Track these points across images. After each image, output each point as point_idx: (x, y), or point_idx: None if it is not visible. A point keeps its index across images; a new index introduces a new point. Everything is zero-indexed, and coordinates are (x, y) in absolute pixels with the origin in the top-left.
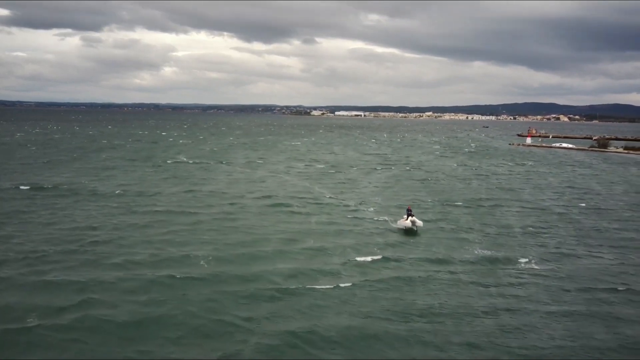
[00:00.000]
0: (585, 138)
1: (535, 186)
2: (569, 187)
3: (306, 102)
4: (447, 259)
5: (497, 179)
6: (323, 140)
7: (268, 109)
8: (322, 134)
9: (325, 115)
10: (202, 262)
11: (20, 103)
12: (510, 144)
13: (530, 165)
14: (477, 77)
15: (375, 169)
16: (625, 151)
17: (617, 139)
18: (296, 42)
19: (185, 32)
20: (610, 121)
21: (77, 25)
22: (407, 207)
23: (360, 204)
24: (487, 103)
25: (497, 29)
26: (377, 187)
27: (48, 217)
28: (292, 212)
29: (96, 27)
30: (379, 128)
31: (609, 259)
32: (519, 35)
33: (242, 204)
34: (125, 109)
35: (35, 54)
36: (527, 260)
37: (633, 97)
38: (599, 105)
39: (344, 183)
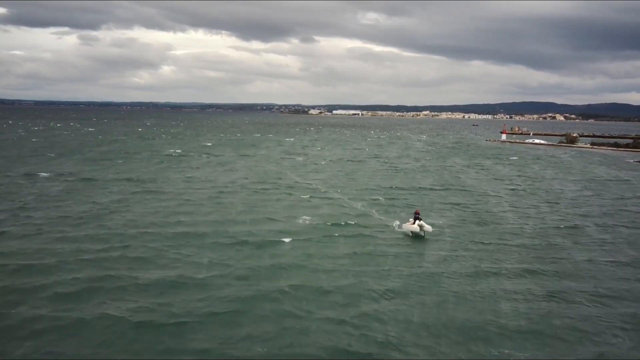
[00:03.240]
0: (562, 135)
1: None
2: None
3: (305, 101)
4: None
5: (447, 173)
6: (309, 137)
7: (266, 107)
8: (312, 131)
9: (322, 114)
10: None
11: (19, 102)
12: (487, 140)
13: (484, 161)
14: (476, 76)
15: (348, 160)
16: (590, 146)
17: (588, 135)
18: (294, 41)
19: (183, 30)
20: (606, 120)
21: (74, 24)
22: (415, 210)
23: (326, 186)
24: (486, 102)
25: (497, 28)
26: (336, 174)
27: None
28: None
29: (93, 26)
30: (372, 126)
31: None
32: (518, 35)
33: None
34: (124, 107)
35: (32, 52)
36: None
37: (632, 97)
38: (597, 104)
39: (311, 172)
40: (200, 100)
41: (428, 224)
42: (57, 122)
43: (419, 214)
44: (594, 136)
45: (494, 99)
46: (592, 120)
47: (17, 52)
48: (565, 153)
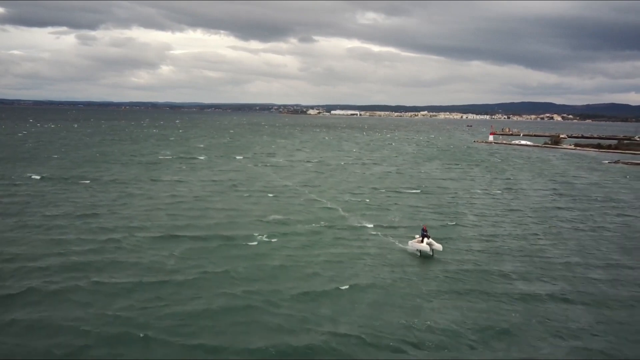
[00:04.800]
0: (548, 136)
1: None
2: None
3: (304, 101)
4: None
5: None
6: (299, 139)
7: (265, 107)
8: (306, 133)
9: (321, 114)
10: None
11: (19, 101)
12: (474, 141)
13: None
14: (476, 77)
15: (328, 163)
16: (574, 147)
17: (576, 137)
18: (293, 41)
19: (182, 30)
20: (603, 120)
21: (73, 24)
22: (422, 227)
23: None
24: (485, 102)
25: (496, 28)
26: (305, 175)
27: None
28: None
29: (92, 26)
30: (367, 127)
31: None
32: (517, 35)
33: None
34: (123, 107)
35: (31, 52)
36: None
37: (631, 97)
38: (595, 104)
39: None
40: (200, 100)
41: (432, 239)
42: (56, 123)
43: (426, 230)
44: (581, 137)
45: (493, 99)
46: (590, 120)
47: (16, 52)
48: (548, 154)
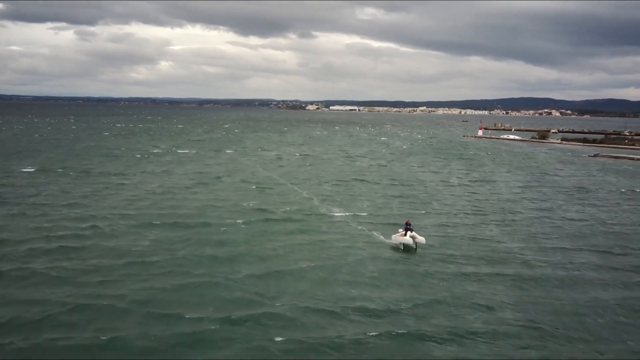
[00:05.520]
0: (538, 131)
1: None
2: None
3: (303, 97)
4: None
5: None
6: (292, 134)
7: (264, 103)
8: (302, 128)
9: (320, 110)
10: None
11: (18, 97)
12: (464, 136)
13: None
14: (475, 72)
15: (316, 156)
16: (559, 142)
17: (567, 131)
18: (292, 36)
19: (181, 25)
20: (601, 116)
21: (71, 19)
22: (405, 221)
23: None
24: (484, 98)
25: (495, 24)
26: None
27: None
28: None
29: (90, 21)
30: (363, 122)
31: None
32: (517, 30)
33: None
34: (122, 103)
35: (30, 47)
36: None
37: (630, 92)
38: (594, 100)
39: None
40: (199, 95)
41: (416, 232)
42: (54, 118)
43: (410, 224)
44: (572, 132)
45: (492, 94)
46: (588, 116)
47: (15, 48)
48: (533, 148)
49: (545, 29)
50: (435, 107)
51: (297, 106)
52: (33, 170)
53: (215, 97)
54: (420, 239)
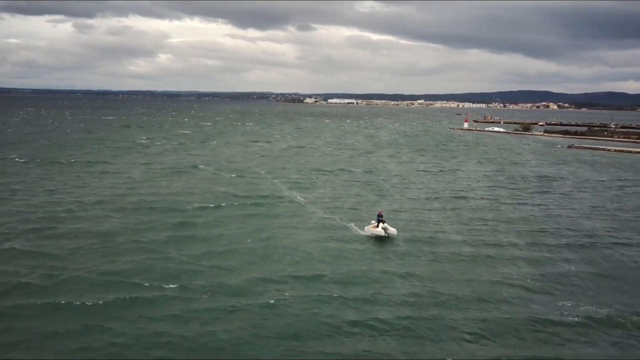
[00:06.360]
0: (521, 123)
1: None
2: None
3: (302, 90)
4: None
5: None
6: (282, 127)
7: (263, 96)
8: (291, 121)
9: (317, 103)
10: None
11: (16, 90)
12: (450, 128)
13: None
14: (474, 65)
15: (298, 147)
16: (541, 134)
17: (555, 124)
18: (291, 29)
19: (179, 18)
20: (599, 109)
21: (69, 12)
22: (378, 212)
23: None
24: (482, 91)
25: (495, 16)
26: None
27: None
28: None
29: (88, 14)
30: (357, 115)
31: None
32: (516, 23)
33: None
34: (121, 96)
35: (28, 40)
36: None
37: (629, 85)
38: (593, 93)
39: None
40: (198, 88)
41: (387, 223)
42: (50, 111)
43: (382, 215)
44: (559, 124)
45: (491, 87)
46: (586, 109)
47: (13, 40)
48: (513, 140)
49: (544, 21)
50: (433, 100)
51: (296, 99)
52: (22, 160)
53: (214, 90)
54: (392, 230)
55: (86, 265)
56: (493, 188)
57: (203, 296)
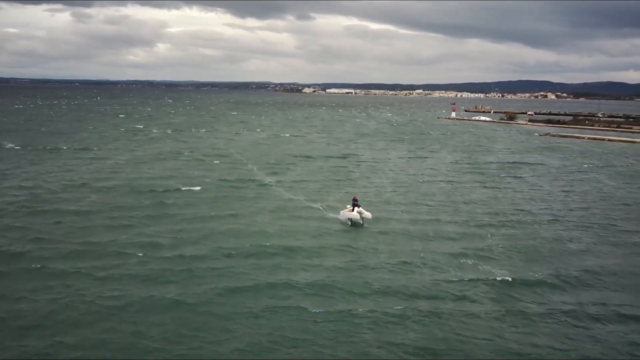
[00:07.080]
0: (506, 112)
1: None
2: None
3: (301, 80)
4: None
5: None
6: (273, 116)
7: (262, 86)
8: (284, 110)
9: (316, 93)
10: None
11: (15, 80)
12: (438, 118)
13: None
14: (473, 54)
15: (283, 135)
16: (525, 123)
17: (544, 113)
18: (290, 18)
19: (177, 7)
20: (597, 99)
21: (67, 1)
22: (353, 197)
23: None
24: (482, 80)
25: (494, 5)
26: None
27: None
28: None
29: (86, 3)
30: (352, 105)
31: None
32: (516, 12)
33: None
34: (120, 85)
35: (26, 29)
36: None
37: (628, 75)
38: (592, 83)
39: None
40: (197, 78)
41: (362, 208)
42: (47, 101)
43: (357, 200)
44: (549, 114)
45: (490, 77)
46: (584, 99)
47: (11, 30)
48: (497, 129)
49: (544, 10)
50: (433, 90)
51: (294, 89)
52: (16, 147)
53: (213, 79)
54: (367, 214)
55: (68, 239)
56: (453, 174)
57: (164, 262)
